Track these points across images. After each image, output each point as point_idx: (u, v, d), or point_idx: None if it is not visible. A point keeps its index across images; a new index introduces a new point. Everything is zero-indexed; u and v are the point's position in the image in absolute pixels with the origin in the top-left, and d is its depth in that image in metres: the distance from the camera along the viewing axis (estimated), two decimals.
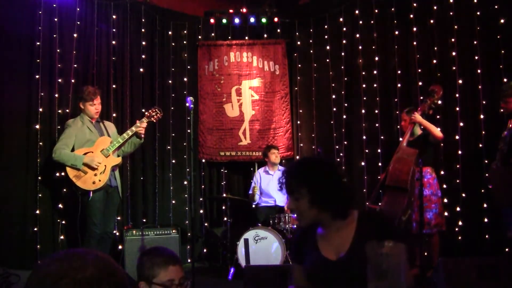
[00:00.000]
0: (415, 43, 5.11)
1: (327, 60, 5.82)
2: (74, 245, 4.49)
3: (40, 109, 4.72)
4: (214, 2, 6.27)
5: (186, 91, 5.89)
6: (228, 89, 6.05)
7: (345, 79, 5.66)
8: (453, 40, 4.83)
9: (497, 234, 4.34)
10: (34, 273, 0.91)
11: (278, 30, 6.15)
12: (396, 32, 5.28)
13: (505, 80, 4.34)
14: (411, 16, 5.13)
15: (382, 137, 5.30)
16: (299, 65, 6.09)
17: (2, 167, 4.53)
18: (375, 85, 5.39)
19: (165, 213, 5.57)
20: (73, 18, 5.01)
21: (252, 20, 6.03)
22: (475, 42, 4.70)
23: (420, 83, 5.02)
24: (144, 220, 5.41)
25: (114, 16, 5.37)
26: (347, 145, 5.63)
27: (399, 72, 5.23)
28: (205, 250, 5.76)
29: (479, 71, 4.65)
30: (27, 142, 4.66)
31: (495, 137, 4.00)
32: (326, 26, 5.85)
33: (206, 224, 5.92)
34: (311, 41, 5.99)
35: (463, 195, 4.67)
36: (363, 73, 5.49)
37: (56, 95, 4.83)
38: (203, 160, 5.99)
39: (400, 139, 4.53)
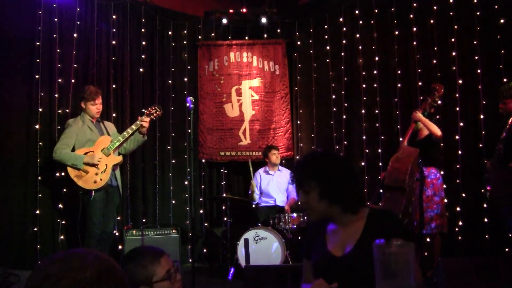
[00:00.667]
0: (415, 43, 5.11)
1: (327, 60, 5.81)
2: (74, 245, 4.48)
3: (40, 109, 4.71)
4: (214, 2, 6.26)
5: (186, 91, 5.89)
6: (228, 89, 6.05)
7: (345, 79, 5.66)
8: (453, 40, 4.83)
9: (497, 234, 4.34)
10: (34, 273, 0.91)
11: (278, 30, 6.15)
12: (396, 32, 5.27)
13: (505, 80, 4.34)
14: (411, 16, 5.13)
15: (382, 137, 5.29)
16: (299, 65, 6.09)
17: (2, 167, 4.53)
18: (375, 85, 5.39)
19: (165, 213, 5.57)
20: (73, 18, 5.01)
21: (252, 20, 6.02)
22: (475, 42, 4.69)
23: (420, 83, 5.02)
24: (144, 220, 5.41)
25: (114, 16, 5.36)
26: (347, 145, 5.62)
27: (399, 72, 5.23)
28: (205, 250, 5.76)
29: (479, 71, 4.65)
30: (27, 142, 4.66)
31: (495, 137, 4.00)
32: (326, 26, 5.85)
33: (206, 224, 5.92)
34: (311, 41, 5.99)
35: (463, 195, 4.67)
36: (363, 73, 5.49)
37: (56, 95, 4.83)
38: (203, 160, 5.99)
39: (401, 139, 4.53)
